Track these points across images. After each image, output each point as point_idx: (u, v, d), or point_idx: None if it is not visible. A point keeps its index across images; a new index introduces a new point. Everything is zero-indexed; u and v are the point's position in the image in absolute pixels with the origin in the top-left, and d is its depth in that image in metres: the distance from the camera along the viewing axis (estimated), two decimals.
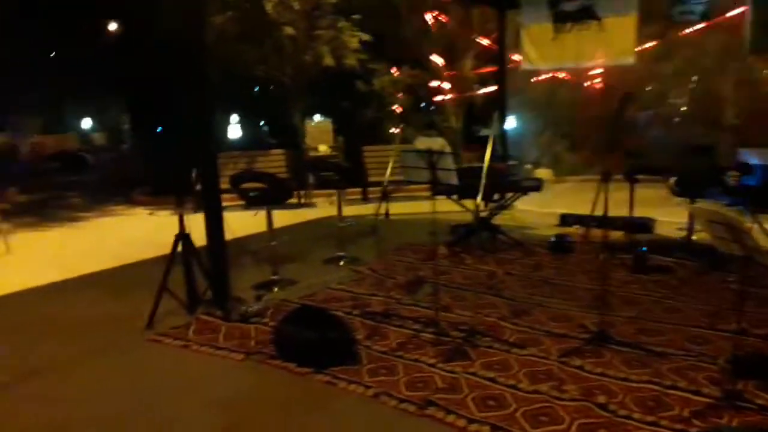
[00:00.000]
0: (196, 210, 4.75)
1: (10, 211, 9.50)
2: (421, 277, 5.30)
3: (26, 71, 16.45)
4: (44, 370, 3.75)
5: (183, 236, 4.52)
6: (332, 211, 8.63)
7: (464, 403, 3.07)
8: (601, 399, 3.04)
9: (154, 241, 7.13)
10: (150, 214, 9.46)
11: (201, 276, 4.63)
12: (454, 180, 3.94)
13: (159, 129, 4.32)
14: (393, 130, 12.24)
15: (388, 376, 3.43)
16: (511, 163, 7.02)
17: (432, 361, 3.59)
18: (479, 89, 11.90)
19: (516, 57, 8.79)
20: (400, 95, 12.47)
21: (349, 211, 6.45)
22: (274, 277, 5.29)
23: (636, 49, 7.69)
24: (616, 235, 6.17)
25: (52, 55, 18.16)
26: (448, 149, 3.92)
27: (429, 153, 3.90)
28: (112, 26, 17.65)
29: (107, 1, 13.78)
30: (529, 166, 9.04)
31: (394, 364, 3.57)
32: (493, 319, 4.25)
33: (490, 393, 3.17)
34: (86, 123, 17.84)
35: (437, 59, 11.68)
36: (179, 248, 4.52)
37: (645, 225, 6.39)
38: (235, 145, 11.70)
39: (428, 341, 3.89)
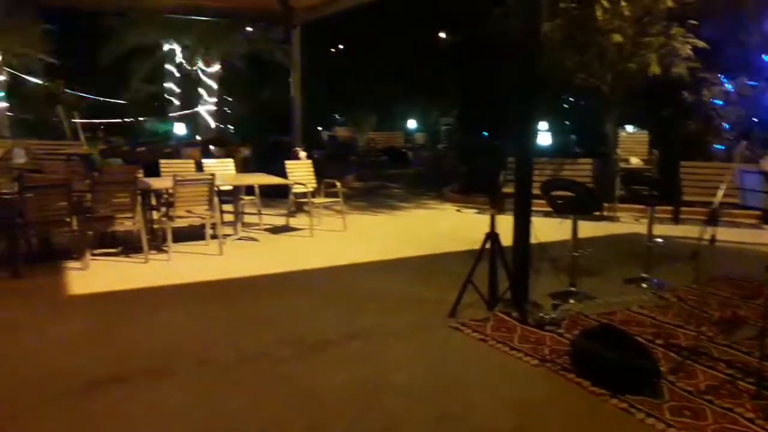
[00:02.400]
0: (500, 211, 4.97)
1: (347, 194, 11.18)
2: (740, 316, 4.69)
3: (368, 75, 19.12)
4: (363, 335, 4.40)
5: (492, 235, 4.79)
6: (637, 228, 8.15)
7: None
8: None
9: (460, 236, 7.71)
10: (457, 210, 10.17)
11: (503, 275, 4.86)
12: None
13: (484, 133, 4.64)
14: (720, 146, 10.88)
15: (694, 419, 3.16)
16: None
17: (750, 415, 3.18)
18: None
19: None
20: (733, 108, 11.01)
21: (656, 230, 6.02)
22: (572, 289, 5.25)
23: None
24: None
25: (389, 61, 20.72)
26: None
27: None
28: (442, 35, 19.31)
29: (440, 12, 15.04)
30: None
31: (701, 408, 3.27)
32: None
33: None
34: (411, 123, 19.86)
35: None
36: (487, 246, 4.80)
37: None
38: (543, 152, 11.75)
39: (746, 392, 3.45)
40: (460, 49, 15.46)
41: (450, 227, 8.64)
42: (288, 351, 4.08)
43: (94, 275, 5.88)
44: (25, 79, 16.04)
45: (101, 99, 16.94)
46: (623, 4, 9.22)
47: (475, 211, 9.83)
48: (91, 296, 5.31)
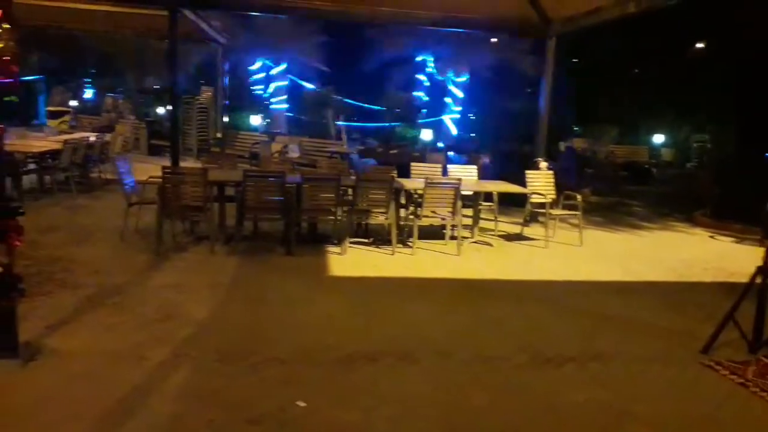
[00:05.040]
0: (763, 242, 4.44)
1: (584, 208, 10.79)
2: None
3: (611, 86, 18.18)
4: (604, 357, 4.29)
5: (766, 270, 4.30)
6: None
7: None
8: None
9: (714, 266, 7.05)
10: (710, 237, 9.21)
11: None
12: None
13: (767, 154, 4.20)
14: None
15: None
16: None
17: None
18: None
19: None
20: None
21: None
22: None
23: None
24: None
25: (634, 71, 19.41)
26: None
27: None
28: (699, 44, 17.47)
29: (694, 19, 13.61)
30: None
31: None
32: None
33: None
34: (657, 138, 18.24)
35: None
36: (757, 280, 4.34)
37: None
38: None
39: None
40: (714, 58, 13.89)
41: (701, 255, 7.88)
42: (526, 360, 4.18)
43: (350, 260, 6.62)
44: (302, 85, 18.49)
45: (361, 105, 18.74)
46: None
47: (733, 239, 8.82)
48: (347, 279, 6.01)
